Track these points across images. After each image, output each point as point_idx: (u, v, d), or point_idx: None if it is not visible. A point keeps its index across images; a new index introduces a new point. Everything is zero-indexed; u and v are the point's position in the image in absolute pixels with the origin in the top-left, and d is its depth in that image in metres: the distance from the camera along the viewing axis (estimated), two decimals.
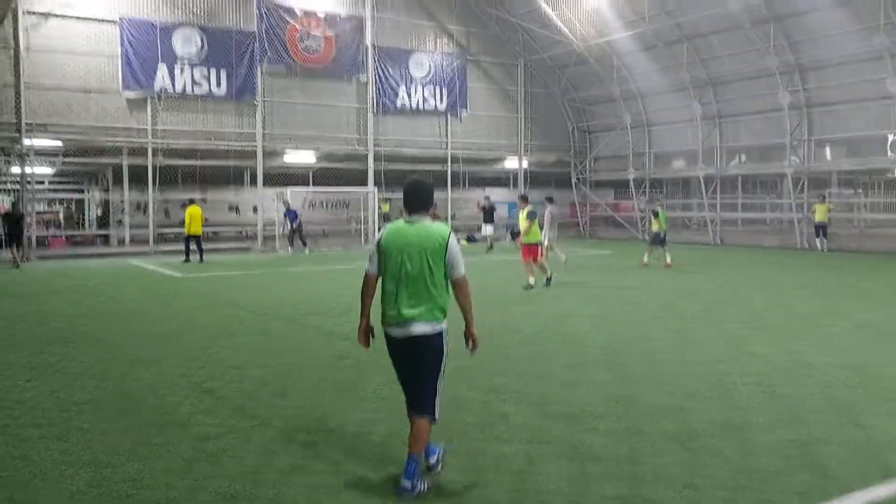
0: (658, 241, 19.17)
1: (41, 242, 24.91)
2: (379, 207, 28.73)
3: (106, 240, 26.45)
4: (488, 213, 26.66)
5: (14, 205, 22.57)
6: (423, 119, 30.71)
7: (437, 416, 4.73)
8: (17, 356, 8.58)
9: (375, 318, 4.77)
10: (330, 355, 8.49)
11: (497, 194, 34.45)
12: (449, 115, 31.14)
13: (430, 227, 4.65)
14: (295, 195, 26.55)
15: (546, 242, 16.85)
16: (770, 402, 6.35)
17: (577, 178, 34.38)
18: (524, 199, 15.61)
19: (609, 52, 29.90)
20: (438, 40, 30.90)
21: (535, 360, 8.03)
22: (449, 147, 31.16)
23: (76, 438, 5.59)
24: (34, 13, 23.03)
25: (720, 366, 7.64)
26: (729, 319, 10.52)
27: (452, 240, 4.64)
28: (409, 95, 30.03)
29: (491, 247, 25.25)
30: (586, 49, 30.13)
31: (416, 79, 30.15)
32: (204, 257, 21.44)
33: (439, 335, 4.60)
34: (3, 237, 21.21)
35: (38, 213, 25.87)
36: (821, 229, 24.22)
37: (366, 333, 4.84)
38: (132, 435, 5.64)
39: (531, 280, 14.39)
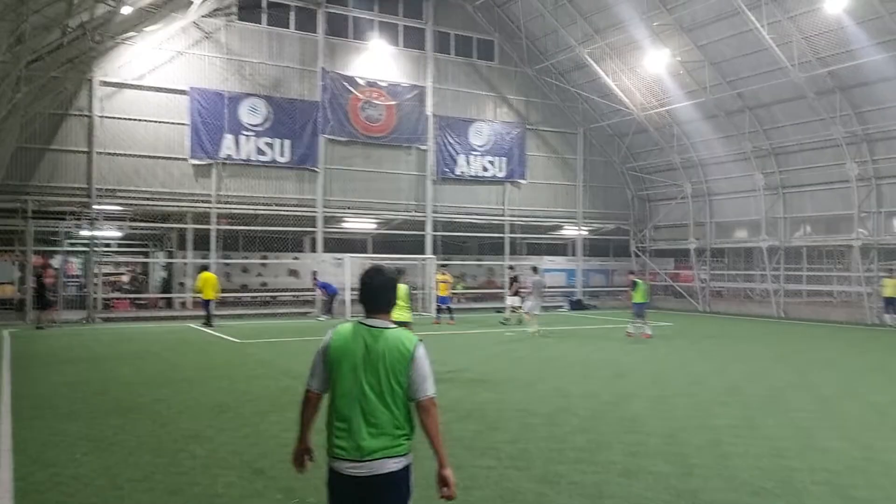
0: (639, 312, 19.25)
1: (106, 304, 25.63)
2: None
3: (168, 302, 27.06)
4: (513, 284, 24.81)
5: (44, 267, 23.63)
6: (482, 187, 30.96)
7: None
8: (75, 427, 8.69)
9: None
10: None
11: (555, 263, 34.26)
12: (507, 183, 31.32)
13: (393, 333, 3.62)
14: (353, 263, 26.86)
15: (526, 311, 19.73)
16: None
17: (637, 247, 33.93)
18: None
19: (669, 121, 29.84)
20: (498, 109, 31.35)
21: (593, 448, 7.73)
22: (506, 215, 31.23)
23: None
24: (109, 84, 24.26)
25: (788, 461, 7.21)
26: (796, 408, 9.99)
27: (420, 351, 3.61)
28: (468, 164, 30.39)
29: (506, 320, 23.86)
30: (646, 118, 30.14)
31: (476, 147, 30.54)
32: (212, 322, 21.99)
33: (406, 471, 3.59)
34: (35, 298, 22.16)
35: (104, 275, 26.67)
36: (891, 305, 23.23)
37: (302, 456, 3.87)
38: None
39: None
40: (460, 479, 6.30)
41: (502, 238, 31.27)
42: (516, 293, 24.14)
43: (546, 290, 22.62)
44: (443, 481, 3.60)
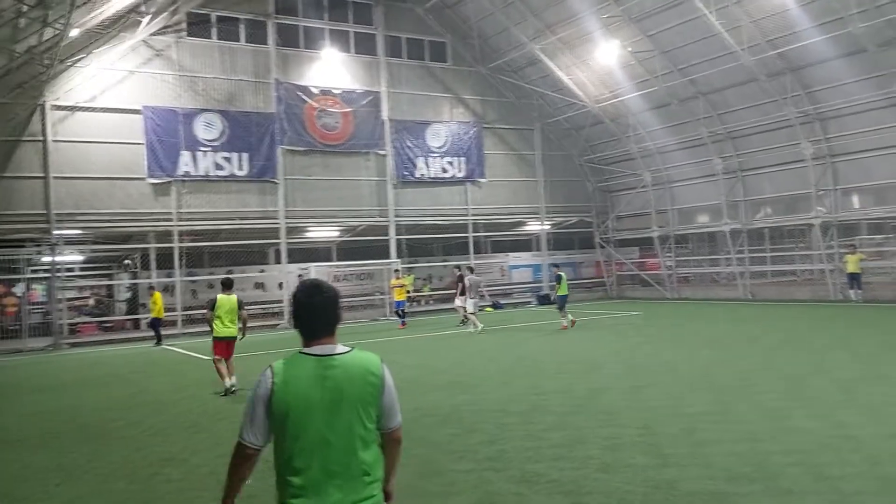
0: (561, 303, 20.43)
1: (72, 329, 25.16)
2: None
3: (136, 323, 26.64)
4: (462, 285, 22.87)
5: None
6: (443, 188, 31.01)
7: None
8: (46, 457, 8.52)
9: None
10: None
11: (520, 258, 34.52)
12: (468, 183, 31.42)
13: (351, 359, 2.99)
14: (319, 271, 26.73)
15: (469, 307, 21.15)
16: (817, 484, 6.06)
17: (601, 238, 34.28)
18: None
19: (624, 112, 30.20)
20: (454, 110, 31.43)
21: (569, 444, 7.79)
22: (469, 214, 31.32)
23: None
24: (61, 107, 23.81)
25: (762, 444, 7.33)
26: (767, 389, 10.18)
27: (388, 373, 3.07)
28: (428, 166, 30.43)
29: (464, 321, 22.50)
30: (601, 110, 30.48)
31: (434, 149, 30.59)
32: (161, 342, 22.45)
33: None
34: None
35: (68, 300, 26.19)
36: (854, 280, 23.75)
37: None
38: None
39: None
40: (439, 484, 6.32)
41: (465, 237, 31.35)
42: (462, 293, 23.08)
43: (482, 289, 23.14)
44: (389, 494, 3.13)
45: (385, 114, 29.41)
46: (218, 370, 12.39)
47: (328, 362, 2.96)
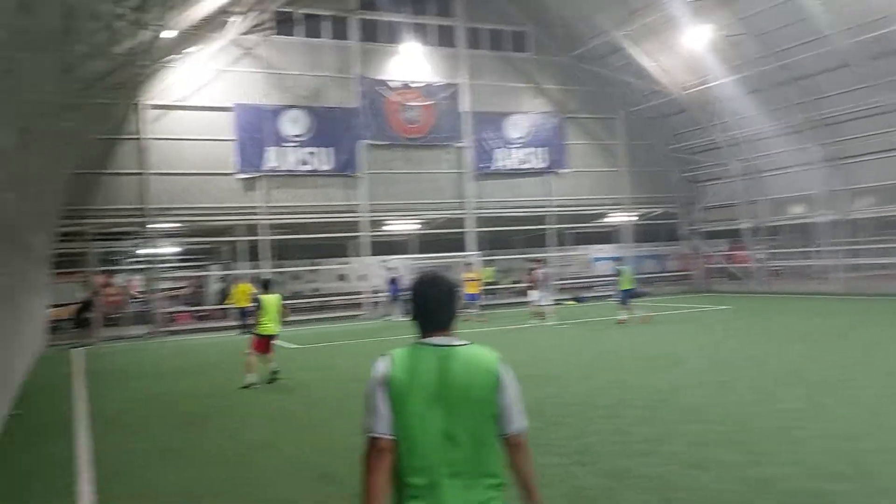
0: (626, 298, 20.16)
1: (169, 318, 26.35)
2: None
3: (226, 313, 27.66)
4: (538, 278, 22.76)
5: (94, 288, 24.65)
6: (523, 179, 30.81)
7: None
8: (148, 440, 9.00)
9: None
10: None
11: (604, 251, 34.00)
12: (549, 174, 31.13)
13: (469, 352, 2.86)
14: (400, 264, 27.20)
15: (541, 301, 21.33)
16: None
17: (688, 230, 33.38)
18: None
19: (711, 99, 29.25)
20: (535, 100, 31.13)
21: (656, 439, 7.65)
22: (550, 206, 31.04)
23: None
24: (156, 106, 24.88)
25: (860, 442, 7.04)
26: (863, 385, 9.74)
27: (507, 371, 2.87)
28: (507, 157, 30.29)
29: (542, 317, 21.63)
30: (688, 97, 29.62)
31: (514, 140, 30.42)
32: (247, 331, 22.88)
33: None
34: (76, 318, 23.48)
35: (164, 290, 27.44)
36: None
37: None
38: None
39: None
40: None
41: (546, 230, 31.08)
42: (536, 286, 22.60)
43: (551, 282, 23.00)
44: None
45: (465, 106, 29.44)
46: (248, 363, 12.88)
47: (447, 353, 2.82)
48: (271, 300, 13.15)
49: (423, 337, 2.90)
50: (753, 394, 9.65)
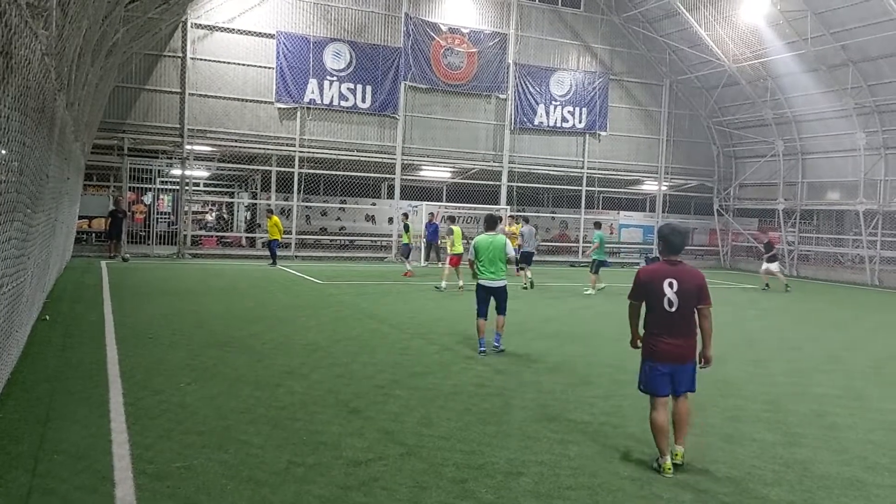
0: (597, 268, 19.25)
1: (195, 241, 26.51)
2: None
3: (252, 242, 27.78)
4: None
5: (118, 202, 24.60)
6: (561, 138, 30.38)
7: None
8: (177, 356, 9.04)
9: None
10: (470, 382, 8.38)
11: (632, 218, 33.63)
12: (587, 135, 30.64)
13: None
14: (428, 210, 26.90)
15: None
16: None
17: (721, 205, 32.89)
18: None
19: (763, 75, 28.48)
20: (581, 59, 30.51)
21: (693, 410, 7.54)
22: (585, 167, 30.62)
23: (235, 450, 5.72)
24: (201, 26, 24.60)
25: None
26: None
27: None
28: (548, 114, 29.80)
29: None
30: (738, 70, 28.83)
31: (556, 97, 29.89)
32: (276, 263, 23.12)
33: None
34: (106, 231, 23.95)
35: (192, 213, 27.54)
36: None
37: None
38: (287, 453, 5.71)
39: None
40: (556, 431, 6.27)
41: (579, 191, 30.73)
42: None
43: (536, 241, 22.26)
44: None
45: (511, 57, 28.88)
46: (444, 274, 18.55)
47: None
48: (458, 231, 18.78)
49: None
50: (788, 376, 9.51)
